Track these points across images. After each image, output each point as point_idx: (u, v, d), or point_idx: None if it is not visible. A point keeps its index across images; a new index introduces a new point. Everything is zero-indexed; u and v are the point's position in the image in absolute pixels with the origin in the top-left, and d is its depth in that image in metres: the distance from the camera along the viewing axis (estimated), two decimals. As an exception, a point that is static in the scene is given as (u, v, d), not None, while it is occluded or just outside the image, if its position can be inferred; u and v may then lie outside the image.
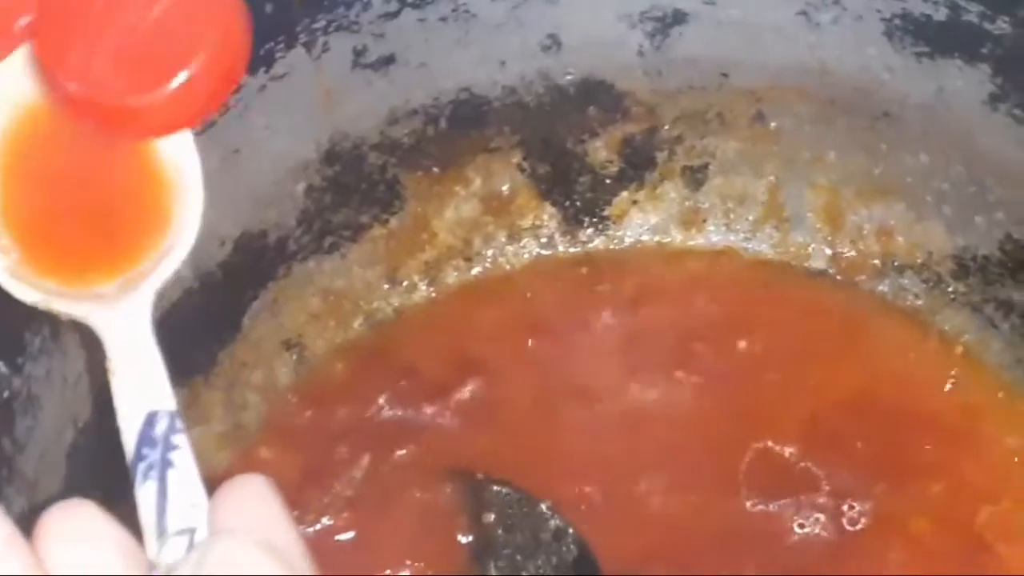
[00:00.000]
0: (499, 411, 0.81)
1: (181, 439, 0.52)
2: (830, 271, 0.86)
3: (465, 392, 0.81)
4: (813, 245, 0.86)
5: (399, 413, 0.80)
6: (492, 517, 0.74)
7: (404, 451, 0.78)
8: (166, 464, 0.52)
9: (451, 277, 0.87)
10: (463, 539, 0.74)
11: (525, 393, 0.81)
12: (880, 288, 0.84)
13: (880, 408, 0.79)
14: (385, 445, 0.78)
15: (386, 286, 0.86)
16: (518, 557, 0.72)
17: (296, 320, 0.83)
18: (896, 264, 0.84)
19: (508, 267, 0.88)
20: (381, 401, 0.81)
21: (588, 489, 0.77)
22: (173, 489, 0.52)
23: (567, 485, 0.76)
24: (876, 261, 0.84)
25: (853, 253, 0.85)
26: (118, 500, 0.72)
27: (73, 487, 0.70)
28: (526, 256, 0.88)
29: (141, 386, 0.54)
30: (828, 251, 0.86)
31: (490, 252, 0.88)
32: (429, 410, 0.80)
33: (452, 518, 0.75)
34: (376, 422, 0.80)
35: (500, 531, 0.74)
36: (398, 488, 0.76)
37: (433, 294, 0.87)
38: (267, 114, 0.77)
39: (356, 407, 0.81)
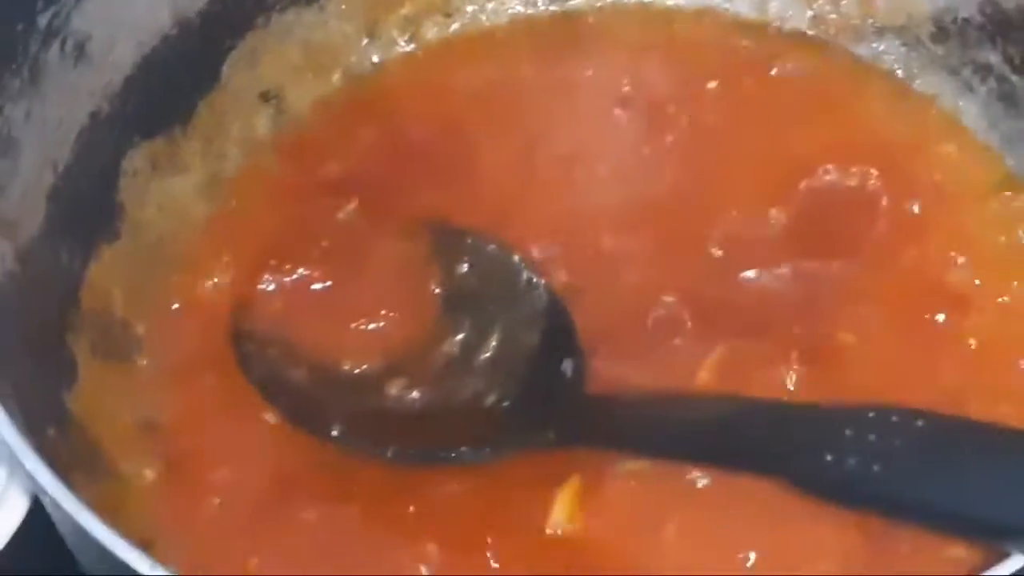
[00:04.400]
0: (476, 168, 0.81)
1: None
2: (810, 33, 0.85)
3: (442, 148, 0.81)
4: (795, 6, 0.85)
5: (376, 167, 0.81)
6: (465, 267, 0.75)
7: (381, 204, 0.79)
8: None
9: (430, 33, 0.87)
10: (437, 289, 0.75)
11: (502, 151, 0.81)
12: (859, 51, 0.84)
13: (854, 170, 0.79)
14: (362, 198, 0.79)
15: (365, 40, 0.86)
16: (490, 306, 0.73)
17: (274, 71, 0.83)
18: (876, 26, 0.84)
19: (488, 23, 0.87)
20: (358, 155, 0.81)
21: (559, 248, 0.77)
22: None
23: (540, 242, 0.77)
24: (856, 23, 0.84)
25: (834, 15, 0.85)
26: (98, 242, 0.74)
27: (53, 229, 0.71)
28: (507, 13, 0.87)
29: None
30: (809, 13, 0.85)
31: (470, 8, 0.87)
32: (406, 165, 0.81)
33: (426, 269, 0.75)
34: (353, 176, 0.80)
35: (473, 281, 0.75)
36: (374, 239, 0.77)
37: (412, 50, 0.86)
38: None
39: (334, 160, 0.81)
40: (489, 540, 0.66)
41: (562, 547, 0.66)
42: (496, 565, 0.66)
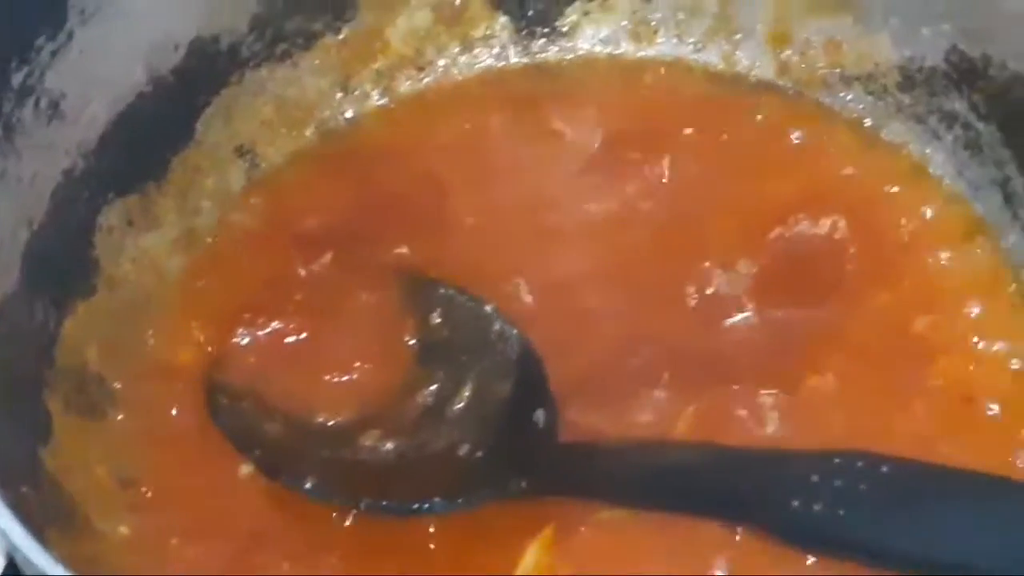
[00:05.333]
0: (450, 220, 0.81)
1: None
2: (779, 82, 0.86)
3: (416, 200, 0.82)
4: (762, 57, 0.86)
5: (350, 220, 0.81)
6: (438, 318, 0.76)
7: (355, 257, 0.79)
8: None
9: (403, 87, 0.87)
10: (410, 340, 0.75)
11: (476, 203, 0.82)
12: (827, 100, 0.85)
13: (824, 219, 0.80)
14: (336, 250, 0.79)
15: (339, 95, 0.86)
16: (463, 357, 0.74)
17: (249, 127, 0.84)
18: (843, 76, 0.84)
19: (460, 77, 0.88)
20: (332, 208, 0.82)
21: (532, 299, 0.77)
22: None
23: (514, 293, 0.77)
24: (823, 72, 0.85)
25: (802, 65, 0.86)
26: (73, 299, 0.75)
27: (28, 286, 0.71)
28: (478, 66, 0.88)
29: None
30: (777, 63, 0.86)
31: (442, 62, 0.88)
32: (380, 218, 0.81)
33: (400, 320, 0.76)
34: (327, 229, 0.81)
35: (446, 332, 0.75)
36: (348, 292, 0.77)
37: (385, 103, 0.87)
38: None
39: (308, 214, 0.82)
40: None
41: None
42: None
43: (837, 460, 0.60)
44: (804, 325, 0.76)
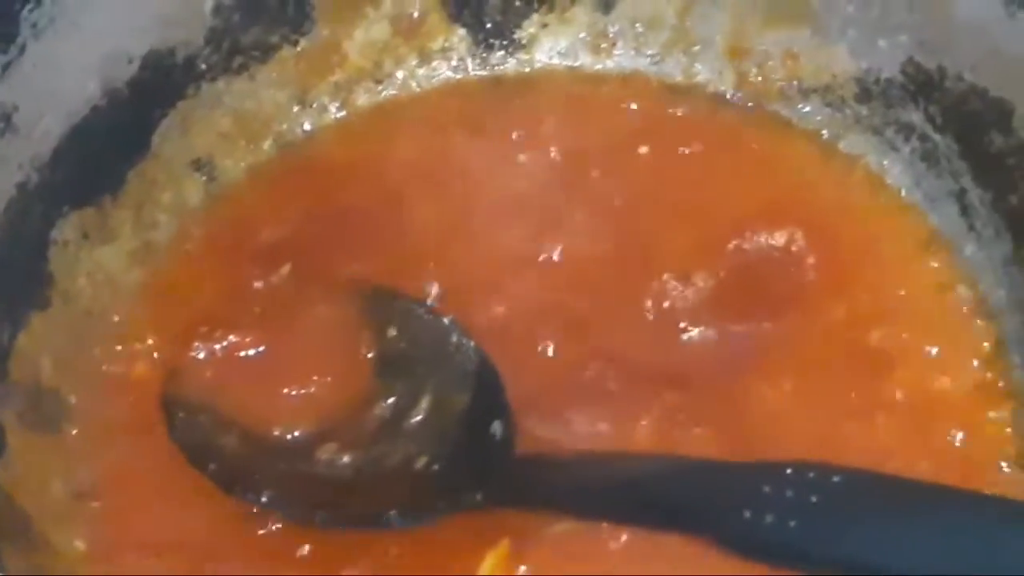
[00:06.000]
0: (407, 232, 0.81)
1: None
2: (737, 95, 0.86)
3: (373, 213, 0.82)
4: (720, 69, 0.86)
5: (308, 233, 0.81)
6: (395, 331, 0.76)
7: (312, 269, 0.79)
8: None
9: (361, 99, 0.87)
10: (368, 353, 0.75)
11: (433, 215, 0.82)
12: (785, 112, 0.85)
13: (781, 230, 0.80)
14: (294, 263, 0.79)
15: (296, 108, 0.86)
16: (420, 369, 0.74)
17: (206, 140, 0.83)
18: (801, 88, 0.85)
19: (418, 89, 0.88)
20: (290, 221, 0.81)
21: (489, 311, 0.77)
22: None
23: (470, 305, 0.77)
24: (781, 84, 0.85)
25: (759, 77, 0.86)
26: (27, 312, 0.74)
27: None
28: (436, 79, 0.88)
29: None
30: (735, 75, 0.86)
31: (400, 74, 0.88)
32: (338, 230, 0.81)
33: (358, 333, 0.76)
34: (285, 242, 0.81)
35: (403, 344, 0.75)
36: (305, 305, 0.77)
37: (344, 116, 0.87)
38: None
39: (266, 227, 0.81)
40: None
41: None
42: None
43: (788, 471, 0.60)
44: (761, 337, 0.76)
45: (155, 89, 0.80)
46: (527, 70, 0.88)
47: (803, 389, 0.74)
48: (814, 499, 0.58)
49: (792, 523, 0.58)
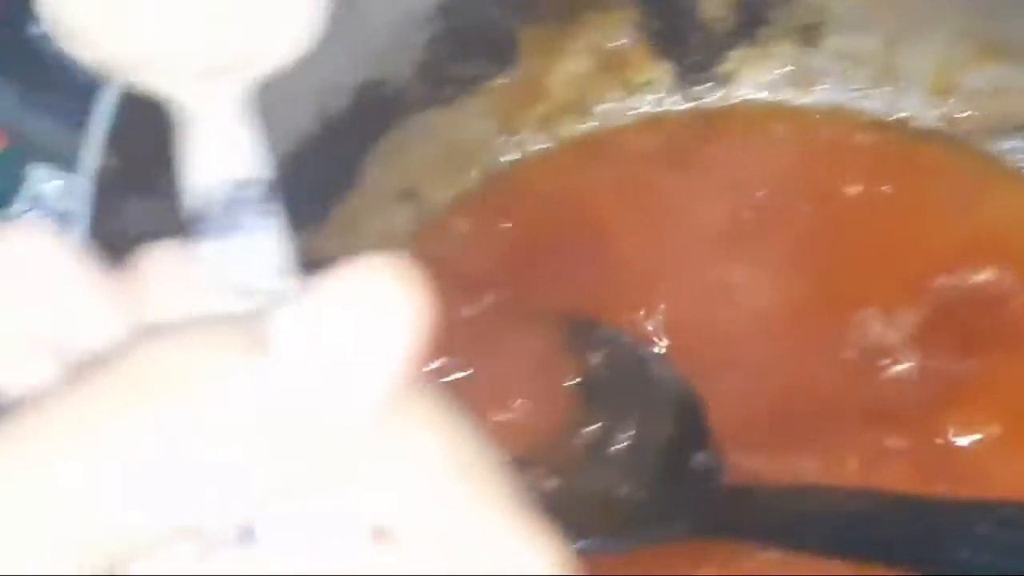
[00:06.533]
0: (609, 264, 0.82)
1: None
2: (944, 131, 0.86)
3: (577, 243, 0.83)
4: (926, 105, 0.86)
5: (512, 262, 0.82)
6: (599, 358, 0.76)
7: (516, 297, 0.80)
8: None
9: (565, 131, 0.88)
10: (569, 381, 0.76)
11: (636, 248, 0.82)
12: (991, 148, 0.84)
13: (988, 268, 0.79)
14: (497, 292, 0.80)
15: (501, 138, 0.88)
16: (623, 398, 0.74)
17: (412, 171, 0.85)
18: (1009, 124, 0.83)
19: (621, 122, 0.89)
20: (494, 250, 0.83)
21: (691, 344, 0.78)
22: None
23: (674, 338, 0.78)
24: (988, 121, 0.84)
25: (966, 112, 0.85)
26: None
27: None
28: (639, 112, 0.89)
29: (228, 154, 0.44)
30: (941, 111, 0.86)
31: (603, 107, 0.89)
32: (542, 260, 0.82)
33: (559, 361, 0.76)
34: (489, 270, 0.82)
35: (606, 373, 0.76)
36: (508, 332, 0.78)
37: (548, 147, 0.88)
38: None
39: (471, 255, 0.83)
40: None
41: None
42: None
43: (1003, 509, 0.60)
44: (967, 376, 0.75)
45: (366, 120, 0.82)
46: (729, 103, 0.89)
47: (1010, 428, 0.73)
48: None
49: (1012, 564, 0.57)
